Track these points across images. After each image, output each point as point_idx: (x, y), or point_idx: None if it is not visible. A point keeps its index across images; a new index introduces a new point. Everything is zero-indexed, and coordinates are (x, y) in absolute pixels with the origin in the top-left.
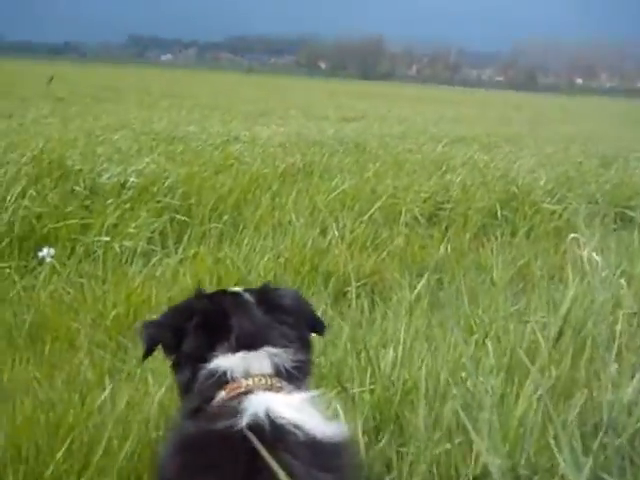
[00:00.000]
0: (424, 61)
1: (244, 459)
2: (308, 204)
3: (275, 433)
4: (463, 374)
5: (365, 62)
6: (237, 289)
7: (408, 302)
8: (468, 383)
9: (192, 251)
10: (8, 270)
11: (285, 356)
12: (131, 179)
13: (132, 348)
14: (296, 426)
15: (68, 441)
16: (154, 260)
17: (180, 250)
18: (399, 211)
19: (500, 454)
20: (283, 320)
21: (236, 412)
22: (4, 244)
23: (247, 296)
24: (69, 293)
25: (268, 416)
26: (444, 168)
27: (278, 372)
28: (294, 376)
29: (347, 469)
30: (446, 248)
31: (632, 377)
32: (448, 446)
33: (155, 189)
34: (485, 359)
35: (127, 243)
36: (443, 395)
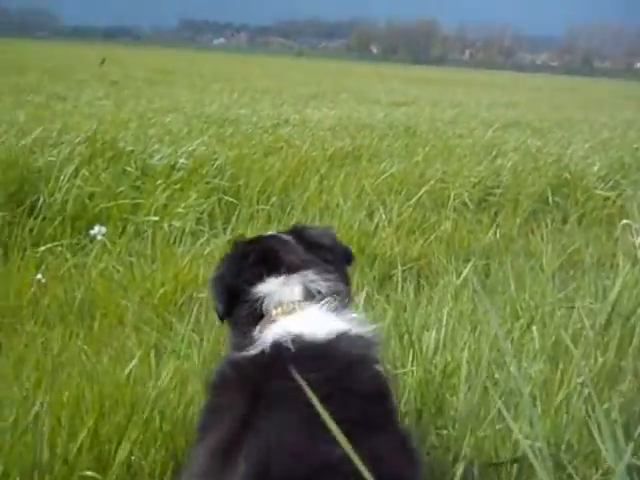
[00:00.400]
0: (477, 45)
1: (253, 386)
2: (356, 187)
3: (292, 356)
4: (507, 359)
5: (417, 46)
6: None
7: (454, 287)
8: (512, 368)
9: (240, 232)
10: (60, 248)
11: (318, 281)
12: (181, 160)
13: (178, 325)
14: (313, 344)
15: (110, 414)
16: (202, 240)
17: (228, 231)
18: (447, 196)
19: (539, 439)
20: (322, 255)
21: (258, 341)
22: (57, 223)
23: (285, 236)
24: (119, 271)
25: (284, 342)
26: (495, 153)
27: (309, 296)
28: (329, 301)
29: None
30: (495, 234)
31: None
32: (488, 431)
33: (204, 171)
34: (530, 344)
35: (176, 223)
36: (485, 379)
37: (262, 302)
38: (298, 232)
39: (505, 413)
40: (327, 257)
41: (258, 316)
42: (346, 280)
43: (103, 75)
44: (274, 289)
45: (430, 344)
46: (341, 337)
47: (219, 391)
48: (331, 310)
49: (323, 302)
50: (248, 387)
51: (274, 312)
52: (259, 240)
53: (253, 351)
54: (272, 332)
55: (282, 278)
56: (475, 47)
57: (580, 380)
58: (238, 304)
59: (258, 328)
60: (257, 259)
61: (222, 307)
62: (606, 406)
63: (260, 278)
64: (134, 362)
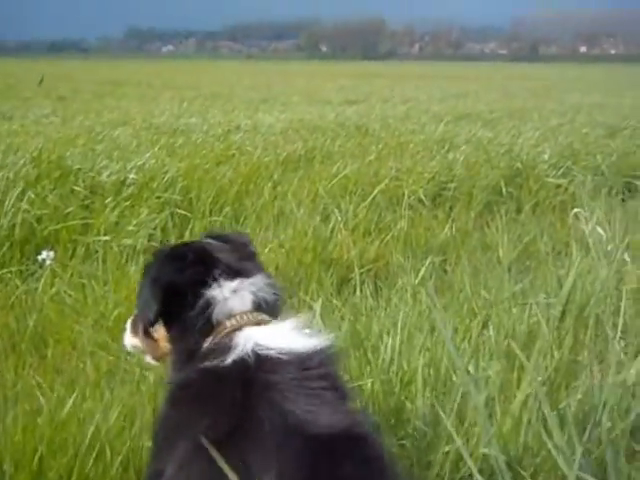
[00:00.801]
0: (426, 39)
1: (231, 395)
2: (309, 191)
3: (261, 364)
4: (465, 359)
5: (366, 43)
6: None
7: (412, 287)
8: (470, 369)
9: None
10: (9, 275)
11: (266, 290)
12: (131, 176)
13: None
14: (281, 351)
15: (58, 454)
16: None
17: None
18: (402, 193)
19: (498, 446)
20: (250, 257)
21: (223, 350)
22: (4, 249)
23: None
24: (71, 295)
25: (253, 350)
26: (447, 147)
27: (259, 307)
28: (273, 308)
29: (337, 376)
30: (451, 228)
31: (636, 357)
32: (447, 448)
33: (155, 185)
34: (487, 343)
35: (128, 241)
36: (444, 383)
37: (211, 311)
38: (222, 238)
39: (454, 435)
40: (253, 257)
41: (208, 326)
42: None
43: (49, 91)
44: (224, 296)
45: (387, 352)
46: (313, 352)
47: (190, 400)
48: (293, 325)
49: (287, 318)
50: (233, 393)
51: (228, 323)
52: (189, 243)
53: (227, 360)
54: (242, 342)
55: (232, 284)
56: (424, 41)
57: (537, 380)
58: (180, 309)
59: (211, 339)
60: (196, 260)
61: (155, 310)
62: (563, 405)
63: (205, 282)
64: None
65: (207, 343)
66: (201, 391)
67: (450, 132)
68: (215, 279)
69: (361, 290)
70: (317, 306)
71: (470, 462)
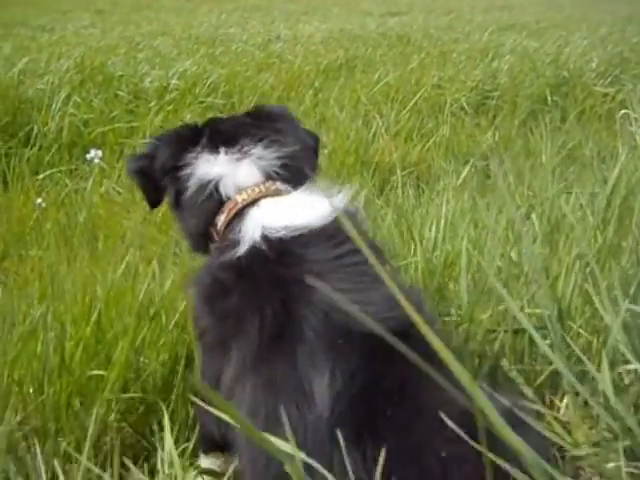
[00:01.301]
0: None
1: (267, 292)
2: (351, 98)
3: (276, 251)
4: (507, 248)
5: None
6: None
7: (453, 187)
8: (512, 254)
9: None
10: (59, 174)
11: (271, 159)
12: (173, 82)
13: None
14: (295, 228)
15: (115, 318)
16: None
17: None
18: (444, 101)
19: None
20: (278, 130)
21: (236, 240)
22: (53, 150)
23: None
24: (120, 193)
25: (266, 236)
26: (491, 56)
27: (268, 176)
28: (288, 174)
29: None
30: (493, 136)
31: None
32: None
33: (197, 90)
34: (530, 232)
35: None
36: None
37: (217, 187)
38: (256, 110)
39: (501, 290)
40: (284, 132)
41: (217, 203)
42: (310, 164)
43: (88, 4)
44: (224, 171)
45: (431, 237)
46: (335, 219)
47: (220, 298)
48: (310, 192)
49: (303, 187)
50: (262, 281)
51: (239, 199)
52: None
53: (243, 247)
54: (256, 223)
55: (227, 156)
56: None
57: (578, 251)
58: (180, 191)
59: (223, 217)
60: (190, 135)
61: (150, 196)
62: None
63: (197, 156)
64: (130, 265)
65: (219, 224)
66: (234, 288)
67: (494, 41)
68: (211, 152)
69: (402, 191)
70: (360, 202)
71: (520, 315)
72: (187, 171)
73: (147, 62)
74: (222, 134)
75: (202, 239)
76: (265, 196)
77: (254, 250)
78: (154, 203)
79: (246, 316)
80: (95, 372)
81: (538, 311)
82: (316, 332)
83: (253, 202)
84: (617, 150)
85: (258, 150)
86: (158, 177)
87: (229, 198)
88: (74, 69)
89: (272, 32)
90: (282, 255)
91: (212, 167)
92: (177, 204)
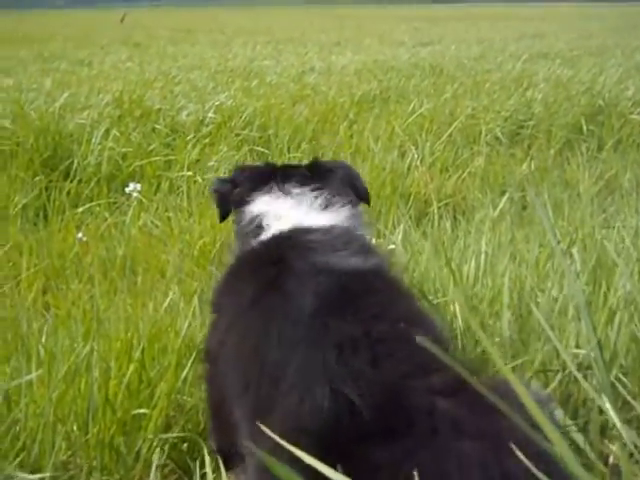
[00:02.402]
0: None
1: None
2: (386, 129)
3: (292, 237)
4: (548, 284)
5: None
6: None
7: (491, 219)
8: (553, 291)
9: None
10: (98, 208)
11: (316, 197)
12: (209, 115)
13: (218, 273)
14: (309, 226)
15: (158, 357)
16: None
17: None
18: (479, 131)
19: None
20: (329, 181)
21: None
22: (92, 184)
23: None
24: (157, 226)
25: (291, 232)
26: (525, 85)
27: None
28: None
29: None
30: (529, 166)
31: None
32: (533, 351)
33: (233, 123)
34: (571, 267)
35: (210, 176)
36: (528, 304)
37: (261, 219)
38: (312, 162)
39: (547, 329)
40: (335, 184)
41: (258, 229)
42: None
43: (126, 38)
44: (268, 207)
45: (470, 272)
46: (335, 226)
47: (233, 277)
48: (320, 205)
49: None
50: (264, 265)
51: (275, 224)
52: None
53: (256, 243)
54: (273, 228)
55: (274, 195)
56: None
57: (626, 291)
58: (237, 216)
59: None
60: (253, 175)
61: (219, 215)
62: None
63: (252, 195)
64: (172, 303)
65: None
66: (242, 264)
67: (528, 70)
68: (263, 192)
69: (439, 223)
70: (398, 235)
71: (565, 356)
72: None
73: (184, 95)
74: (284, 180)
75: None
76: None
77: (265, 243)
78: (222, 219)
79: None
80: (138, 411)
81: (583, 351)
82: (303, 271)
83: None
84: None
85: (300, 189)
86: (232, 203)
87: (269, 225)
88: (113, 103)
89: (306, 64)
90: (284, 243)
91: (263, 205)
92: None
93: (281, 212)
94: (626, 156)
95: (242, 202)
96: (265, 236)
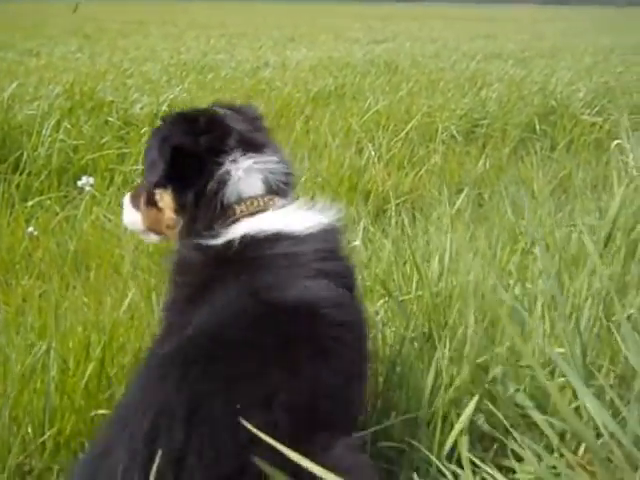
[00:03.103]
0: None
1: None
2: (342, 126)
3: (249, 245)
4: (511, 281)
5: None
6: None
7: (449, 217)
8: (516, 290)
9: None
10: (49, 202)
11: (277, 168)
12: (163, 108)
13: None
14: (275, 233)
15: (117, 355)
16: None
17: None
18: (435, 129)
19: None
20: (261, 129)
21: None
22: (43, 177)
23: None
24: (110, 220)
25: (248, 234)
26: (479, 84)
27: (270, 190)
28: (284, 188)
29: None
30: (484, 164)
31: None
32: (499, 350)
33: None
34: (532, 265)
35: None
36: (490, 302)
37: (223, 192)
38: (233, 108)
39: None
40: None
41: (219, 209)
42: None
43: (75, 30)
44: (237, 176)
45: (434, 269)
46: (317, 231)
47: (183, 271)
48: (301, 207)
49: (292, 201)
50: (210, 270)
51: (238, 209)
52: (200, 109)
53: (221, 240)
54: (242, 227)
55: (246, 162)
56: None
57: (596, 287)
58: (191, 176)
59: (219, 223)
60: (209, 126)
61: (162, 170)
62: (616, 317)
63: (219, 151)
64: (134, 303)
65: (215, 225)
66: (186, 266)
67: (481, 70)
68: (229, 151)
69: (397, 221)
70: (359, 232)
71: (529, 356)
72: (213, 167)
73: (137, 88)
74: (241, 138)
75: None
76: (260, 210)
77: (227, 243)
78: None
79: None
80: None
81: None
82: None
83: (248, 215)
84: (609, 182)
85: (267, 158)
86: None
87: (229, 206)
88: (63, 95)
89: (260, 58)
90: (237, 251)
91: (230, 170)
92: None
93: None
94: (578, 156)
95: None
96: (233, 231)
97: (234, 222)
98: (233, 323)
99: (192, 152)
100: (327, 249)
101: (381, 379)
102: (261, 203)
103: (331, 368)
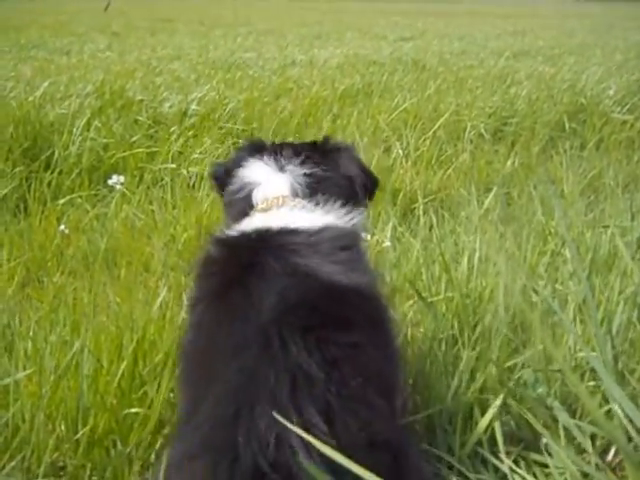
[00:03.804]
0: None
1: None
2: (370, 124)
3: (268, 235)
4: (541, 282)
5: None
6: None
7: (478, 216)
8: (546, 291)
9: None
10: (80, 200)
11: (307, 178)
12: (192, 107)
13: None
14: (291, 226)
15: (150, 354)
16: None
17: None
18: (463, 128)
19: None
20: (331, 161)
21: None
22: (74, 175)
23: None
24: (140, 219)
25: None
26: (508, 82)
27: (294, 191)
28: (315, 193)
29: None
30: (513, 163)
31: None
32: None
33: (217, 116)
34: (563, 267)
35: (193, 169)
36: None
37: (250, 190)
38: (322, 140)
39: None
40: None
41: (247, 204)
42: (346, 194)
43: (104, 27)
44: (260, 178)
45: (463, 270)
46: (325, 229)
47: (205, 265)
48: (314, 206)
49: (307, 200)
50: (231, 261)
51: (260, 206)
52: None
53: (235, 233)
54: (255, 221)
55: (268, 166)
56: None
57: (628, 291)
58: (227, 185)
59: (247, 218)
60: (250, 148)
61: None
62: None
63: (245, 161)
64: (164, 302)
65: (244, 220)
66: (210, 258)
67: (510, 67)
68: (255, 159)
69: (425, 219)
70: (387, 231)
71: (560, 358)
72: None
73: (166, 87)
74: (274, 152)
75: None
76: (278, 209)
77: (242, 238)
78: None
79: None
80: (131, 410)
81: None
82: (271, 272)
83: (267, 210)
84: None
85: (297, 169)
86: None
87: (255, 203)
88: (94, 94)
89: (287, 57)
90: (260, 239)
91: (254, 173)
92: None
93: (269, 190)
94: (608, 155)
95: (233, 168)
96: (248, 224)
97: (250, 217)
98: (312, 301)
99: (228, 162)
100: (331, 245)
101: (410, 380)
102: (280, 202)
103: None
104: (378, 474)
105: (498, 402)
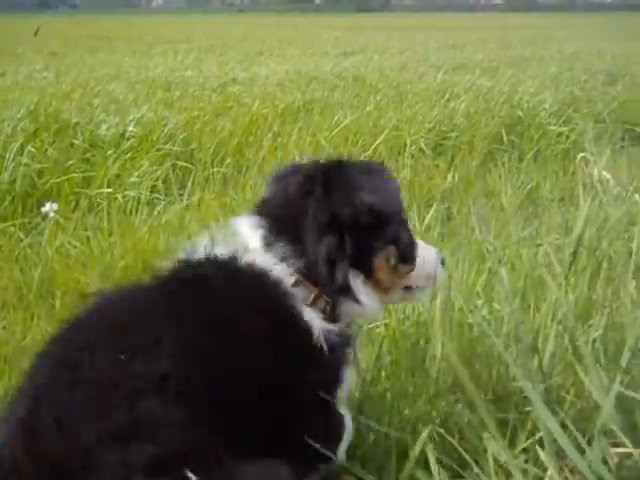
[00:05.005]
0: None
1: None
2: (311, 142)
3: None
4: (478, 302)
5: None
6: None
7: (418, 234)
8: (483, 311)
9: (196, 197)
10: (12, 228)
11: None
12: (130, 129)
13: None
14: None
15: None
16: (159, 208)
17: (185, 196)
18: (403, 143)
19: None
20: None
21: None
22: (6, 203)
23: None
24: (76, 247)
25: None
26: (447, 96)
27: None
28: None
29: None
30: (453, 177)
31: None
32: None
33: (155, 137)
34: (499, 286)
35: (130, 193)
36: (459, 324)
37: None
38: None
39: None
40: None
41: None
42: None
43: (41, 47)
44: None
45: None
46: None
47: None
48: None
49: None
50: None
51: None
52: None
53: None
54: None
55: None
56: None
57: (561, 312)
58: None
59: None
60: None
61: None
62: (583, 340)
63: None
64: None
65: None
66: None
67: (449, 82)
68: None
69: None
70: None
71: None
72: None
73: (103, 108)
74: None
75: None
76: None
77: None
78: None
79: None
80: None
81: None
82: None
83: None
84: (576, 193)
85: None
86: None
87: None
88: (27, 117)
89: (228, 74)
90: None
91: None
92: None
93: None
94: (545, 166)
95: None
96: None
97: None
98: None
99: None
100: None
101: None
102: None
103: None
104: None
105: (425, 433)
